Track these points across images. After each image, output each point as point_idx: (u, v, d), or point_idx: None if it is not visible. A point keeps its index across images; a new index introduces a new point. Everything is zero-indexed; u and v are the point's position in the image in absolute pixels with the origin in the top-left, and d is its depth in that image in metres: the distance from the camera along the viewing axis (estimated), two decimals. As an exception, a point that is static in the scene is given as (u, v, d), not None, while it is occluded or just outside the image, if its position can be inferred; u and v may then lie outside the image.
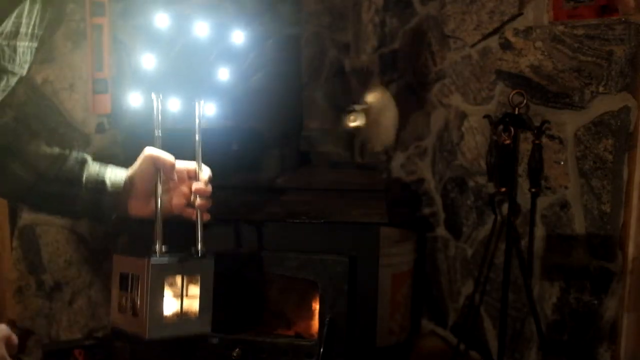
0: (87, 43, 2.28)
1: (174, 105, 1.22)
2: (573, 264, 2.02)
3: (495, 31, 2.27)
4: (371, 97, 2.28)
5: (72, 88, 2.31)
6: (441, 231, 2.64)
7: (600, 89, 1.90)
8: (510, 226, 2.02)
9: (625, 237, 1.88)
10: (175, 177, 1.21)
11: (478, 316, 2.39)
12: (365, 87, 2.60)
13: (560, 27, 2.01)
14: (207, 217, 1.21)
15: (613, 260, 1.91)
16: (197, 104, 1.24)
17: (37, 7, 1.06)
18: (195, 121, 1.24)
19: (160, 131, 1.20)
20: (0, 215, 2.23)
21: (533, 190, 1.98)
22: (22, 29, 1.05)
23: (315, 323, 1.71)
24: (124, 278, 1.18)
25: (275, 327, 1.77)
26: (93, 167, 1.20)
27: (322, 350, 1.61)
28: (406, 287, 2.57)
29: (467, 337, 2.42)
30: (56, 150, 1.17)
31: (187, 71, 1.27)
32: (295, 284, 1.74)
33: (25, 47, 1.07)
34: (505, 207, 2.08)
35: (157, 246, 1.16)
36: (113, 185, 1.19)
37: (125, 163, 1.24)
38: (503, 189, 2.00)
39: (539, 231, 2.12)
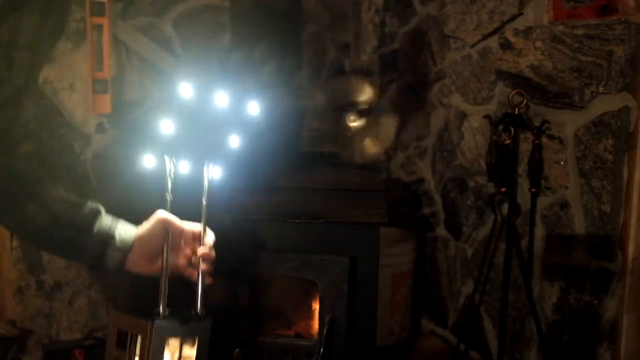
0: (87, 43, 2.28)
1: (184, 167, 1.28)
2: (573, 264, 2.02)
3: (495, 31, 2.27)
4: (370, 97, 2.28)
5: (72, 88, 2.31)
6: (441, 231, 2.64)
7: (600, 89, 1.90)
8: (510, 226, 2.02)
9: (625, 237, 1.88)
10: (182, 242, 1.26)
11: (478, 316, 2.39)
12: (365, 87, 2.59)
13: (560, 27, 2.01)
14: (209, 280, 1.27)
15: (613, 260, 1.91)
16: (205, 167, 1.29)
17: (35, 18, 1.06)
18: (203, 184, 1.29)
19: (171, 194, 1.25)
20: (0, 215, 2.23)
21: (533, 190, 1.98)
22: (20, 40, 1.05)
23: (315, 323, 1.71)
24: (121, 335, 1.22)
25: (275, 327, 1.77)
26: (105, 220, 1.23)
27: (322, 350, 1.61)
28: (406, 287, 2.57)
29: (467, 337, 2.42)
30: (74, 197, 1.21)
31: (200, 137, 1.32)
32: (295, 284, 1.74)
33: (22, 58, 1.06)
34: (505, 207, 2.07)
35: (161, 309, 1.21)
36: (122, 241, 1.23)
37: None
38: (503, 189, 1.99)
39: (539, 231, 2.12)
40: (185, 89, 1.30)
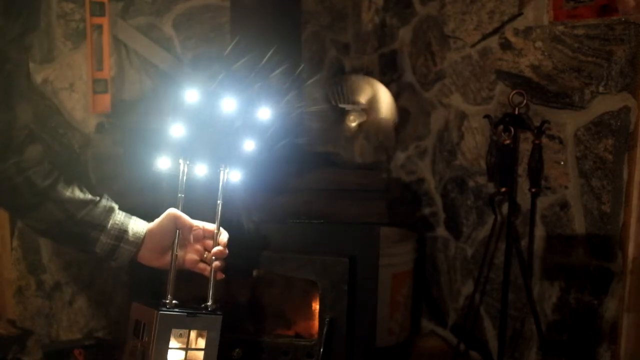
0: (87, 43, 2.28)
1: (201, 170, 1.38)
2: (573, 264, 2.02)
3: (495, 31, 2.27)
4: (371, 97, 2.28)
5: (72, 88, 2.31)
6: (441, 231, 2.65)
7: (600, 89, 1.90)
8: (510, 226, 2.02)
9: (625, 237, 1.88)
10: (192, 238, 1.35)
11: (478, 316, 2.39)
12: (365, 87, 2.60)
13: (560, 27, 2.01)
14: (220, 276, 1.36)
15: (613, 260, 1.91)
16: (222, 171, 1.37)
17: (3, 22, 1.07)
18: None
19: (183, 194, 1.34)
20: (0, 215, 2.23)
21: (533, 190, 1.98)
22: None
23: (315, 323, 1.71)
24: (137, 325, 1.28)
25: (275, 327, 1.77)
26: (119, 216, 1.32)
27: (322, 350, 1.61)
28: (406, 287, 2.57)
29: (467, 337, 2.42)
30: (89, 196, 1.30)
31: (215, 141, 1.41)
32: (295, 284, 1.74)
33: None
34: (505, 207, 2.08)
35: (168, 299, 1.28)
36: (134, 235, 1.31)
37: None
38: (503, 189, 2.00)
39: (539, 231, 2.12)
40: (192, 95, 1.36)
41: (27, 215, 1.29)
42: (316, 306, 1.69)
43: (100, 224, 1.29)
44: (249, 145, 1.42)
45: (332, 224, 1.69)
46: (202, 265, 1.36)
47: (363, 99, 2.22)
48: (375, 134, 2.32)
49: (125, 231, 1.31)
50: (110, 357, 2.32)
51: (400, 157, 2.83)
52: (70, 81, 2.30)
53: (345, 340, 1.66)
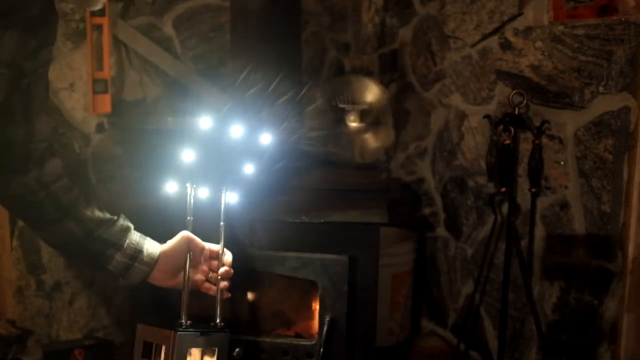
0: (87, 43, 2.28)
1: (203, 193, 1.45)
2: (573, 264, 2.02)
3: (495, 31, 2.27)
4: (371, 97, 2.28)
5: (72, 88, 2.31)
6: (441, 231, 2.65)
7: (600, 89, 1.90)
8: (510, 226, 2.02)
9: (625, 237, 1.88)
10: (202, 259, 1.42)
11: (478, 316, 2.39)
12: (365, 87, 2.60)
13: (560, 27, 2.01)
14: (227, 295, 1.44)
15: (613, 260, 1.91)
16: (223, 193, 1.44)
17: (15, 35, 1.06)
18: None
19: (192, 217, 1.41)
20: (0, 215, 2.23)
21: (533, 190, 1.98)
22: (1, 56, 1.06)
23: (315, 323, 1.71)
24: (147, 346, 1.33)
25: (275, 327, 1.77)
26: (134, 236, 1.36)
27: (322, 350, 1.61)
28: (406, 287, 2.57)
29: (467, 337, 2.42)
30: (107, 215, 1.33)
31: (219, 165, 1.49)
32: (295, 284, 1.74)
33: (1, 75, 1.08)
34: (505, 207, 2.08)
35: (183, 320, 1.34)
36: (148, 255, 1.35)
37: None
38: (503, 189, 2.00)
39: (539, 231, 2.12)
40: (205, 122, 1.44)
41: (46, 229, 1.31)
42: (316, 306, 1.69)
43: (117, 242, 1.32)
44: (249, 169, 1.50)
45: (332, 224, 1.69)
46: (207, 285, 1.43)
47: (363, 99, 2.22)
48: (375, 134, 2.32)
49: (140, 251, 1.34)
50: (111, 357, 2.32)
51: (400, 157, 2.83)
52: (70, 81, 2.30)
53: (345, 340, 1.66)
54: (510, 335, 2.23)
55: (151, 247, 1.36)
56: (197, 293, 1.43)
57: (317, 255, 1.67)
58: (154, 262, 1.35)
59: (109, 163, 2.40)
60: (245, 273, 1.76)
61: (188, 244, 1.38)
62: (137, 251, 1.34)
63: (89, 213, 1.30)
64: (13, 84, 1.10)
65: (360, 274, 1.71)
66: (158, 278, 1.37)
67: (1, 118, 1.14)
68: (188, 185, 1.43)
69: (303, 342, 1.70)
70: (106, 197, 2.35)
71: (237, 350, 1.68)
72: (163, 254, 1.37)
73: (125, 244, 1.33)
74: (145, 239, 1.37)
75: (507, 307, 2.08)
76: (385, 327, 2.50)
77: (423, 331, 2.74)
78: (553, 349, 2.08)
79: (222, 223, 1.43)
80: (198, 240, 1.39)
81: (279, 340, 1.71)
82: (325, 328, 1.63)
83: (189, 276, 1.38)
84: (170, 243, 1.38)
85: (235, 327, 1.77)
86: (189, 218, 1.42)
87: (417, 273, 2.65)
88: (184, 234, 1.39)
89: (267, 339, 1.71)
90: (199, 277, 1.42)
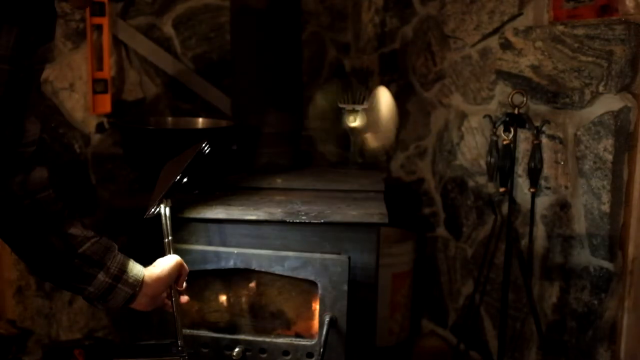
0: (87, 43, 2.28)
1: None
2: (573, 264, 2.02)
3: (495, 31, 2.27)
4: (371, 97, 2.28)
5: (72, 88, 2.31)
6: (441, 231, 2.65)
7: (600, 89, 1.90)
8: (510, 226, 2.02)
9: (625, 237, 1.88)
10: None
11: (478, 316, 2.39)
12: (365, 87, 2.60)
13: (560, 27, 2.01)
14: (186, 299, 1.45)
15: (613, 260, 1.91)
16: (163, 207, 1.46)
17: (14, 29, 1.05)
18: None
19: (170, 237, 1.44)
20: (0, 215, 2.23)
21: (533, 190, 1.98)
22: None
23: (315, 323, 1.71)
24: None
25: (275, 327, 1.77)
26: (119, 256, 1.29)
27: (322, 350, 1.61)
28: (406, 287, 2.57)
29: (467, 337, 2.42)
30: (91, 232, 1.26)
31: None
32: (295, 284, 1.74)
33: None
34: (505, 207, 2.08)
35: (179, 342, 1.38)
36: (133, 277, 1.30)
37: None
38: (503, 189, 2.00)
39: (539, 231, 2.12)
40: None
41: (24, 243, 1.23)
42: (316, 306, 1.69)
43: (99, 261, 1.25)
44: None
45: (332, 224, 1.69)
46: (167, 301, 1.42)
47: (363, 99, 2.22)
48: (375, 134, 2.33)
49: (125, 272, 1.28)
50: (110, 357, 2.32)
51: (400, 157, 2.83)
52: (70, 81, 2.30)
53: (345, 340, 1.66)
54: (510, 335, 2.23)
55: (135, 268, 1.31)
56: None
57: (317, 255, 1.67)
58: (138, 285, 1.30)
59: (109, 163, 2.41)
60: (246, 273, 1.76)
61: (179, 270, 1.39)
62: (121, 272, 1.27)
63: (72, 228, 1.23)
64: (10, 80, 1.08)
65: (360, 274, 1.71)
66: (143, 303, 1.33)
67: None
68: (162, 205, 1.44)
69: (303, 342, 1.70)
70: (106, 196, 2.35)
71: (237, 350, 1.68)
72: (149, 277, 1.32)
73: (109, 262, 1.26)
74: (128, 259, 1.31)
75: (507, 307, 2.08)
76: (385, 327, 2.50)
77: (423, 331, 2.74)
78: (553, 349, 2.08)
79: (166, 240, 1.44)
80: (184, 265, 1.41)
81: (279, 340, 1.71)
82: (325, 328, 1.63)
83: (177, 301, 1.40)
84: (163, 267, 1.36)
85: (235, 327, 1.77)
86: (166, 240, 1.43)
87: (417, 273, 2.65)
88: (178, 259, 1.39)
89: (267, 339, 1.71)
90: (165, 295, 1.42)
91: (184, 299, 1.44)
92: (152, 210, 1.43)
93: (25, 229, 1.20)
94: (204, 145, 1.51)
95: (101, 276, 1.25)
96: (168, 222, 1.44)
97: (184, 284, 1.44)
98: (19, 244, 1.23)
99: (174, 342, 1.40)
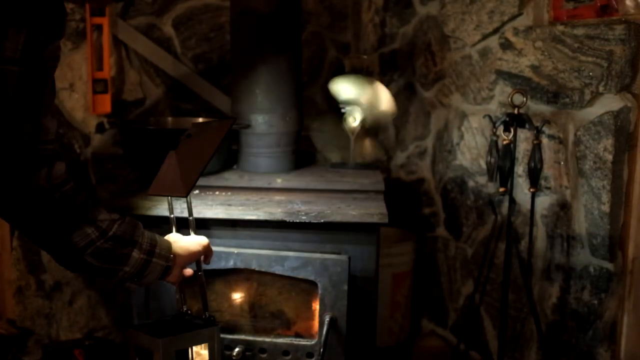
0: (87, 43, 2.28)
1: None
2: (573, 264, 2.02)
3: (495, 31, 2.27)
4: (371, 97, 2.28)
5: (72, 88, 2.31)
6: (441, 231, 2.65)
7: (600, 89, 1.90)
8: (510, 226, 2.02)
9: (625, 237, 1.88)
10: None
11: (478, 316, 2.39)
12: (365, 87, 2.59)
13: (560, 27, 2.01)
14: (189, 273, 1.47)
15: (613, 260, 1.91)
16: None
17: (24, 29, 1.06)
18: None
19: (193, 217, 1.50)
20: (0, 215, 2.23)
21: (533, 190, 1.98)
22: (6, 53, 1.05)
23: (315, 323, 1.71)
24: (139, 350, 1.35)
25: (275, 327, 1.77)
26: (146, 232, 1.32)
27: (322, 350, 1.61)
28: (406, 287, 2.58)
29: (467, 337, 2.42)
30: (116, 215, 1.27)
31: None
32: (295, 284, 1.74)
33: (8, 72, 1.06)
34: (505, 207, 2.08)
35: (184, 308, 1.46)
36: (165, 249, 1.33)
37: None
38: (503, 189, 2.00)
39: (539, 231, 2.12)
40: None
41: (62, 236, 1.21)
42: (316, 306, 1.70)
43: (131, 239, 1.27)
44: None
45: (332, 224, 1.69)
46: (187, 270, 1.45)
47: (363, 98, 2.22)
48: (375, 133, 2.32)
49: (156, 245, 1.31)
50: (111, 357, 2.32)
51: (400, 157, 2.83)
52: (70, 81, 2.30)
53: (345, 340, 1.66)
54: (510, 335, 2.23)
55: (163, 241, 1.35)
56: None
57: (317, 255, 1.67)
58: (170, 255, 1.34)
59: (109, 163, 2.41)
60: (246, 273, 1.76)
61: (205, 250, 1.44)
62: (152, 245, 1.30)
63: (99, 214, 1.25)
64: (21, 80, 1.08)
65: (360, 274, 1.71)
66: (176, 275, 1.37)
67: (11, 115, 1.10)
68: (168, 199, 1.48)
69: (303, 342, 1.70)
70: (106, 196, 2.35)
71: (237, 350, 1.68)
72: (180, 249, 1.37)
73: (140, 239, 1.28)
74: (154, 234, 1.34)
75: (507, 307, 2.08)
76: (385, 327, 2.50)
77: (423, 331, 2.74)
78: (553, 349, 2.08)
79: (191, 218, 1.48)
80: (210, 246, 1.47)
81: (279, 340, 1.71)
82: (325, 328, 1.63)
83: (204, 282, 1.47)
84: (192, 241, 1.42)
85: (236, 327, 1.77)
86: (191, 218, 1.47)
87: (417, 273, 2.65)
88: (206, 240, 1.45)
89: (267, 339, 1.71)
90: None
91: (188, 271, 1.46)
92: (191, 189, 1.45)
93: (57, 221, 1.20)
94: (232, 123, 1.55)
95: (135, 254, 1.27)
96: (190, 200, 1.46)
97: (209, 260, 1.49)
98: (48, 237, 1.22)
99: (204, 314, 1.46)
